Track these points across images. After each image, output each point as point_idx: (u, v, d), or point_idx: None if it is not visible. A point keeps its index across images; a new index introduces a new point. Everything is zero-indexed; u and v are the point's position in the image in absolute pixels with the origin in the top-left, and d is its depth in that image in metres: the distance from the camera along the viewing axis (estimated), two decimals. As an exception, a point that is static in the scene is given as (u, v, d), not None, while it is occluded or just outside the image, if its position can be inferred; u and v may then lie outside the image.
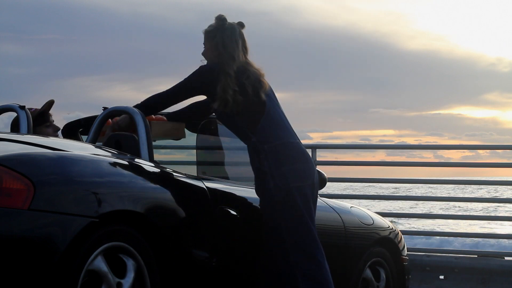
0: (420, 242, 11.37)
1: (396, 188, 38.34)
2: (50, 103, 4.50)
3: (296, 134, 4.05)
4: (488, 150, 9.49)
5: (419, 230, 15.58)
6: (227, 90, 3.81)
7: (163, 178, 3.54)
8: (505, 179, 8.64)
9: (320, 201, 4.31)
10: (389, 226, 4.93)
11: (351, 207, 4.80)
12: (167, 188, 3.48)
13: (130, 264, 3.11)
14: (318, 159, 7.52)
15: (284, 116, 4.02)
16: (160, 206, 3.36)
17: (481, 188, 48.61)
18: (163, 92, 4.05)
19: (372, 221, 4.78)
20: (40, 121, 4.42)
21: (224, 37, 3.95)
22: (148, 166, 3.53)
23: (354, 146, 8.56)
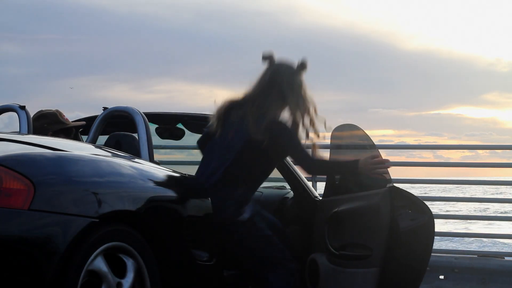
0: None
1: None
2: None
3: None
4: (487, 150, 9.47)
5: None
6: None
7: (163, 178, 3.54)
8: (505, 179, 8.63)
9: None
10: None
11: None
12: (167, 188, 3.49)
13: (130, 264, 3.11)
14: (318, 159, 7.53)
15: None
16: (160, 206, 3.37)
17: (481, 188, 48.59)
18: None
19: None
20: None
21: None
22: (148, 166, 3.54)
23: (354, 146, 8.54)
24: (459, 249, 11.05)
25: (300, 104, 3.97)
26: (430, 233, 4.00)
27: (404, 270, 3.98)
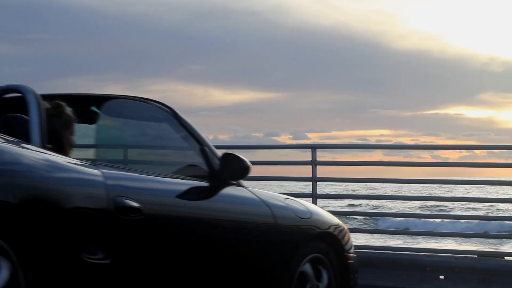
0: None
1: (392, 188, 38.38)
2: None
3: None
4: (485, 150, 9.48)
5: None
6: None
7: (50, 165, 3.14)
8: (503, 179, 8.64)
9: (249, 193, 4.15)
10: (331, 221, 4.67)
11: (285, 199, 4.48)
12: (54, 176, 3.10)
13: (2, 263, 2.78)
14: (318, 159, 7.54)
15: None
16: (43, 197, 3.00)
17: (482, 187, 48.71)
18: None
19: (309, 215, 4.49)
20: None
21: None
22: (34, 151, 3.15)
23: (354, 146, 8.57)
24: (459, 249, 11.06)
25: None
26: None
27: None
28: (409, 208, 34.91)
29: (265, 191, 4.39)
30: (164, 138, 4.34)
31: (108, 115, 4.12)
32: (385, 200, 31.59)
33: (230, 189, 4.09)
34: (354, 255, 4.78)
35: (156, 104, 4.03)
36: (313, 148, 7.57)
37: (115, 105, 4.04)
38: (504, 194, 43.02)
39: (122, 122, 4.32)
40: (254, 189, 4.25)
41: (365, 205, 36.88)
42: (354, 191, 42.81)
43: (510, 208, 27.74)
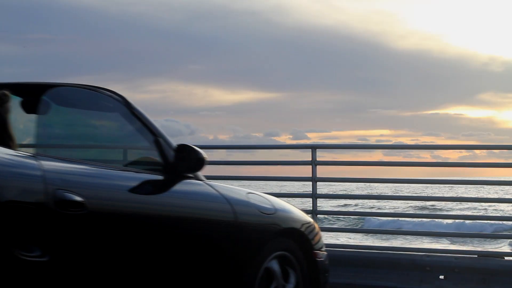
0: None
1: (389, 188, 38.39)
2: None
3: None
4: (485, 150, 9.49)
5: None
6: None
7: None
8: (502, 179, 8.64)
9: (207, 187, 3.96)
10: (299, 218, 4.49)
11: (248, 193, 4.25)
12: None
13: None
14: (318, 159, 7.55)
15: None
16: None
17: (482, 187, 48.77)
18: None
19: (274, 210, 4.29)
20: None
21: None
22: None
23: (354, 146, 8.57)
24: (459, 249, 11.06)
25: None
26: None
27: None
28: (405, 208, 34.92)
29: (225, 185, 4.18)
30: (115, 129, 4.13)
31: (56, 104, 3.91)
32: (382, 200, 31.70)
33: (186, 183, 3.87)
34: (324, 253, 4.63)
35: (107, 92, 3.84)
36: (313, 148, 7.57)
37: (63, 93, 3.85)
38: (495, 193, 43.07)
39: (70, 112, 4.10)
40: (213, 183, 4.05)
41: (361, 204, 36.94)
42: (345, 190, 42.85)
43: (504, 209, 27.79)
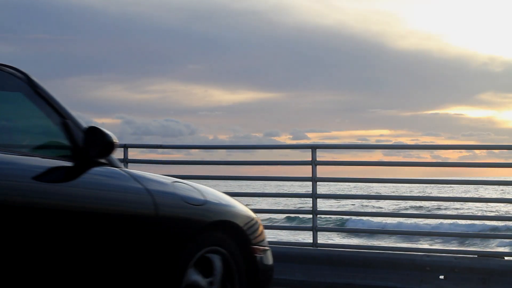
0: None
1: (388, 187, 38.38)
2: None
3: None
4: (485, 150, 9.50)
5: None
6: None
7: None
8: (502, 179, 8.65)
9: (124, 174, 3.56)
10: (235, 210, 4.12)
11: (173, 182, 3.88)
12: None
13: None
14: (318, 159, 7.55)
15: None
16: None
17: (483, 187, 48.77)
18: None
19: (203, 202, 3.89)
20: None
21: None
22: None
23: (354, 146, 8.57)
24: (459, 249, 11.07)
25: None
26: None
27: None
28: (403, 207, 34.89)
29: (147, 173, 3.79)
30: (17, 110, 3.67)
31: None
32: (380, 200, 31.67)
33: (99, 169, 3.48)
34: (266, 248, 4.30)
35: (7, 69, 3.46)
36: (313, 148, 7.58)
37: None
38: (487, 194, 43.11)
39: None
40: (131, 171, 3.67)
41: (358, 204, 36.88)
42: (342, 190, 42.74)
43: (504, 209, 27.80)
